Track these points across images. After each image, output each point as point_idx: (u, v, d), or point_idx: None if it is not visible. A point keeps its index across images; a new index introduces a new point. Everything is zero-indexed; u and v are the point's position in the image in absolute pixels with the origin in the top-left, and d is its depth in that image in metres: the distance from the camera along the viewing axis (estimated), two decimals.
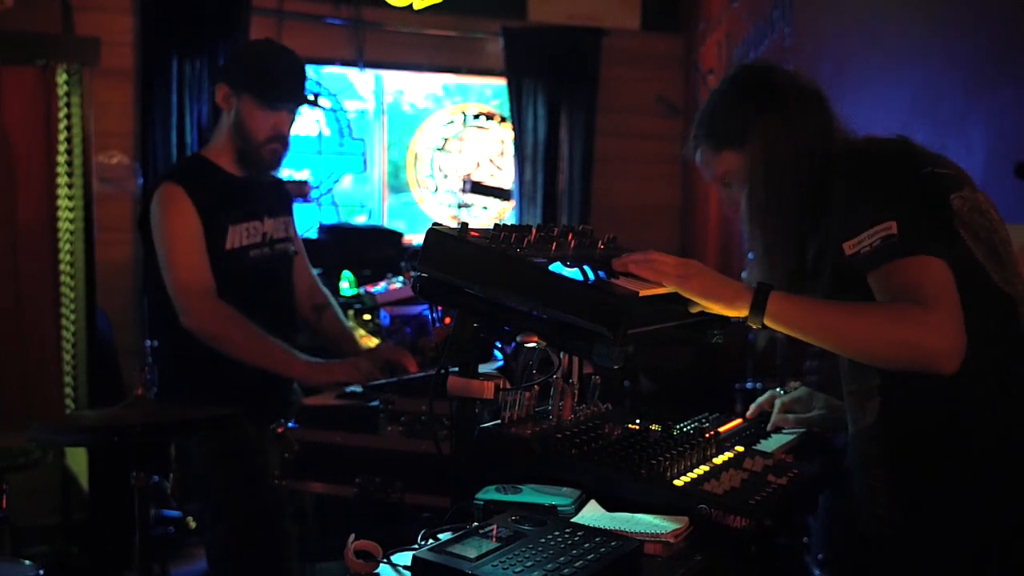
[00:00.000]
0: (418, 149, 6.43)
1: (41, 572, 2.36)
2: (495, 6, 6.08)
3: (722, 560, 1.52)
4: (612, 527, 1.47)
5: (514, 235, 1.68)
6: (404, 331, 3.00)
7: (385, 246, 5.43)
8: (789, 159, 1.78)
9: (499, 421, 1.79)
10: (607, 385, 2.06)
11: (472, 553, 1.32)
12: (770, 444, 1.99)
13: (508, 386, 1.76)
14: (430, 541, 1.42)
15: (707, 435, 1.85)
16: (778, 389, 2.21)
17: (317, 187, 6.00)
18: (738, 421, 2.13)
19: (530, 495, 1.58)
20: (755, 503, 1.57)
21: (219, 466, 2.75)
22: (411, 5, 5.86)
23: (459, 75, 6.40)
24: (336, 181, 6.14)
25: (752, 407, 2.21)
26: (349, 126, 6.14)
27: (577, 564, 1.30)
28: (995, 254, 1.69)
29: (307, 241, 5.37)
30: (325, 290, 3.24)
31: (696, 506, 1.55)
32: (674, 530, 1.48)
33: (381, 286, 3.63)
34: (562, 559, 1.31)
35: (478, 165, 6.54)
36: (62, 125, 4.42)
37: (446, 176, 6.49)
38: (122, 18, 5.31)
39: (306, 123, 5.91)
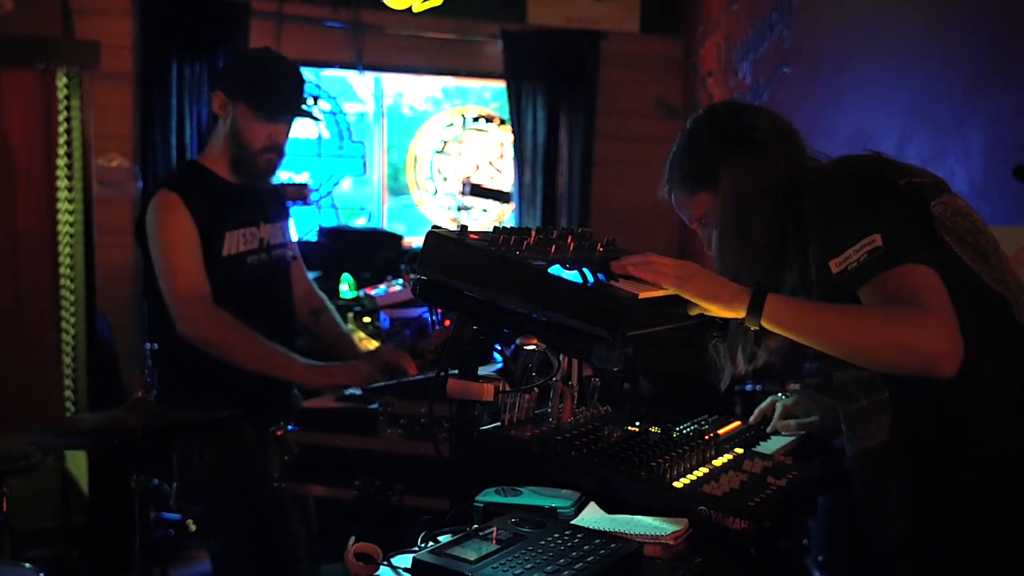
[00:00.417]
0: (418, 152, 6.44)
1: (41, 575, 2.36)
2: (494, 9, 6.09)
3: (722, 562, 1.52)
4: (612, 529, 1.47)
5: (513, 238, 1.69)
6: (404, 333, 3.00)
7: (385, 249, 5.43)
8: (758, 196, 1.80)
9: (499, 423, 1.79)
10: (607, 387, 2.06)
11: (472, 555, 1.32)
12: (769, 446, 1.99)
13: (508, 388, 1.77)
14: (430, 543, 1.42)
15: (706, 437, 1.85)
16: (780, 395, 2.21)
17: (317, 190, 6.00)
18: (737, 423, 2.13)
19: (530, 497, 1.58)
20: (754, 505, 1.57)
21: (221, 470, 2.75)
22: (410, 8, 5.87)
23: (458, 78, 6.40)
24: (336, 184, 6.14)
25: (755, 412, 2.21)
26: (349, 129, 6.14)
27: (577, 566, 1.30)
28: (982, 255, 1.69)
29: (307, 244, 5.39)
30: (321, 294, 3.24)
31: (696, 508, 1.55)
32: (674, 532, 1.48)
33: (381, 289, 3.64)
34: (562, 561, 1.31)
35: (477, 168, 6.55)
36: (62, 128, 4.43)
37: (446, 179, 6.49)
38: (122, 22, 5.31)
39: (306, 126, 5.92)
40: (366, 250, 5.35)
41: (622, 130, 6.43)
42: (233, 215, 2.87)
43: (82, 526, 4.29)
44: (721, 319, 1.75)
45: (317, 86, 5.96)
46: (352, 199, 6.24)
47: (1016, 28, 3.81)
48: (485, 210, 6.50)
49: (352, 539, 1.41)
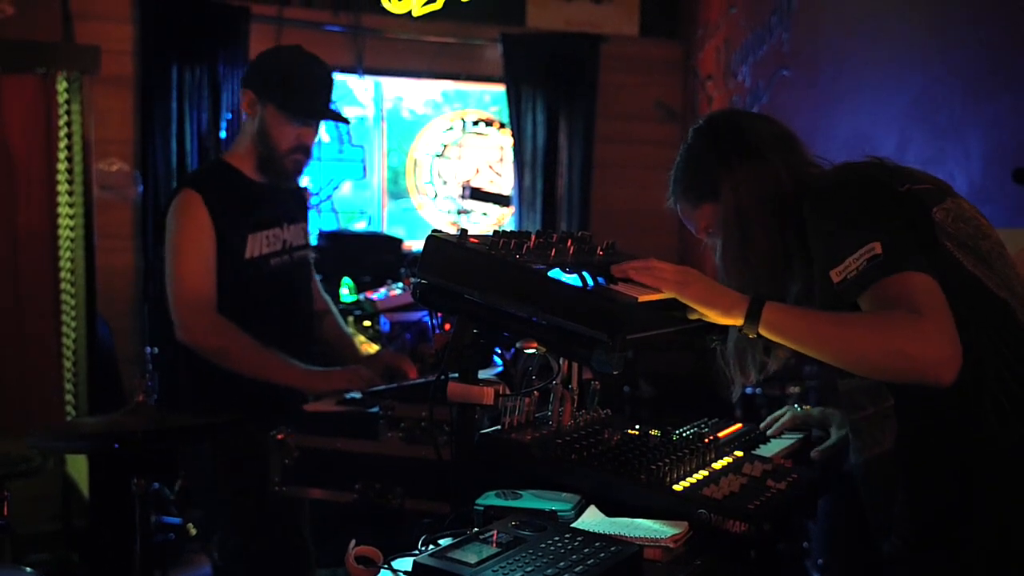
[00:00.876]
0: (417, 155, 6.44)
1: None
2: (494, 13, 6.10)
3: (722, 565, 1.53)
4: (612, 532, 1.48)
5: (513, 241, 1.69)
6: (404, 337, 3.01)
7: (385, 252, 5.44)
8: (759, 206, 1.80)
9: (499, 427, 1.80)
10: (607, 391, 2.06)
11: (472, 559, 1.32)
12: (769, 449, 1.99)
13: (508, 392, 1.77)
14: (430, 547, 1.42)
15: (706, 440, 1.86)
16: (795, 405, 2.21)
17: (317, 194, 6.01)
18: (737, 426, 2.14)
19: (530, 500, 1.58)
20: (754, 508, 1.57)
21: (222, 473, 2.75)
22: (410, 12, 5.88)
23: (458, 81, 6.40)
24: (336, 188, 6.15)
25: (769, 420, 2.20)
26: (348, 133, 6.15)
27: (577, 569, 1.30)
28: (984, 260, 1.69)
29: None
30: (326, 296, 3.24)
31: (695, 511, 1.55)
32: (673, 535, 1.49)
33: (381, 292, 3.64)
34: (562, 564, 1.32)
35: (477, 171, 6.55)
36: (62, 133, 4.43)
37: (445, 182, 6.49)
38: (122, 26, 5.32)
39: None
40: (366, 254, 5.35)
41: (622, 133, 6.44)
42: (257, 216, 2.85)
43: (82, 530, 4.29)
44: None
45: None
46: (352, 203, 6.25)
47: (1015, 32, 3.82)
48: (485, 214, 6.50)
49: (352, 542, 1.42)
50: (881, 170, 1.77)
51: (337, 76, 5.91)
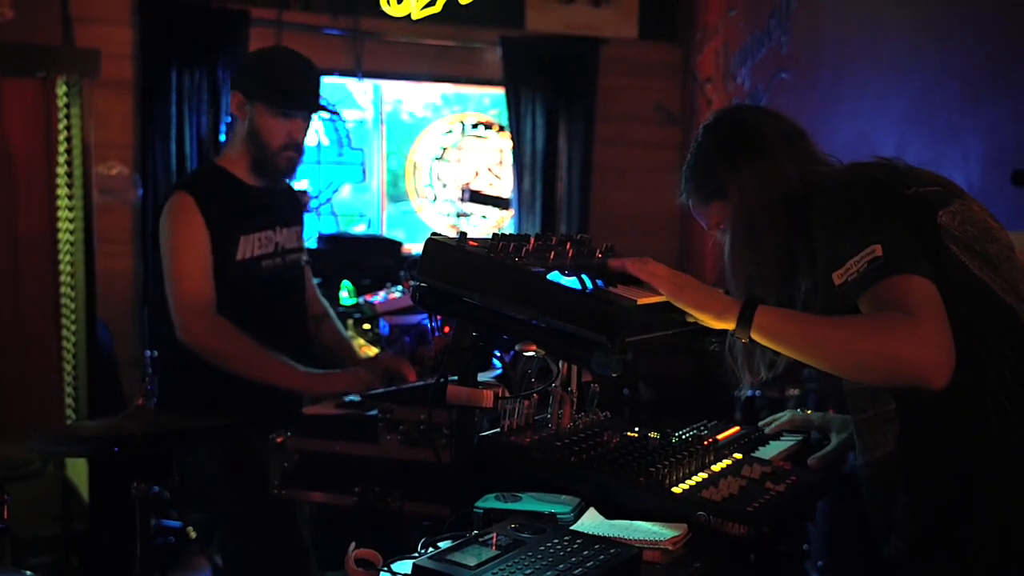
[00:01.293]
0: (417, 158, 6.45)
1: None
2: (493, 16, 6.10)
3: (721, 567, 1.53)
4: (611, 534, 1.48)
5: (512, 244, 1.69)
6: (403, 340, 3.01)
7: (384, 255, 5.44)
8: (766, 204, 1.80)
9: (498, 429, 1.80)
10: (606, 393, 2.06)
11: (472, 561, 1.32)
12: (768, 451, 1.99)
13: (507, 395, 1.77)
14: (430, 549, 1.42)
15: (705, 442, 1.86)
16: (798, 409, 2.21)
17: (316, 196, 6.01)
18: (736, 428, 2.14)
19: (529, 503, 1.58)
20: (753, 510, 1.58)
21: (222, 477, 2.75)
22: (409, 15, 5.88)
23: (457, 84, 6.41)
24: (335, 190, 6.15)
25: (768, 420, 2.20)
26: (348, 136, 6.16)
27: (576, 572, 1.31)
28: (991, 264, 1.68)
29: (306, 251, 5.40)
30: (324, 301, 3.24)
31: (695, 513, 1.55)
32: (673, 537, 1.49)
33: (380, 295, 3.64)
34: (561, 567, 1.32)
35: (477, 174, 6.56)
36: (62, 136, 4.44)
37: (445, 185, 6.50)
38: (122, 30, 5.33)
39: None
40: (365, 257, 5.35)
41: (621, 136, 6.45)
42: (249, 219, 2.86)
43: (82, 533, 4.29)
44: None
45: None
46: (351, 206, 6.25)
47: (1014, 35, 3.82)
48: (484, 216, 6.51)
49: (352, 545, 1.42)
50: (888, 172, 1.76)
51: (336, 79, 5.97)
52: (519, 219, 6.23)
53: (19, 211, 4.39)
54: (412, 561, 1.35)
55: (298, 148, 2.89)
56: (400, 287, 3.64)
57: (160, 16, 5.31)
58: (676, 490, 1.63)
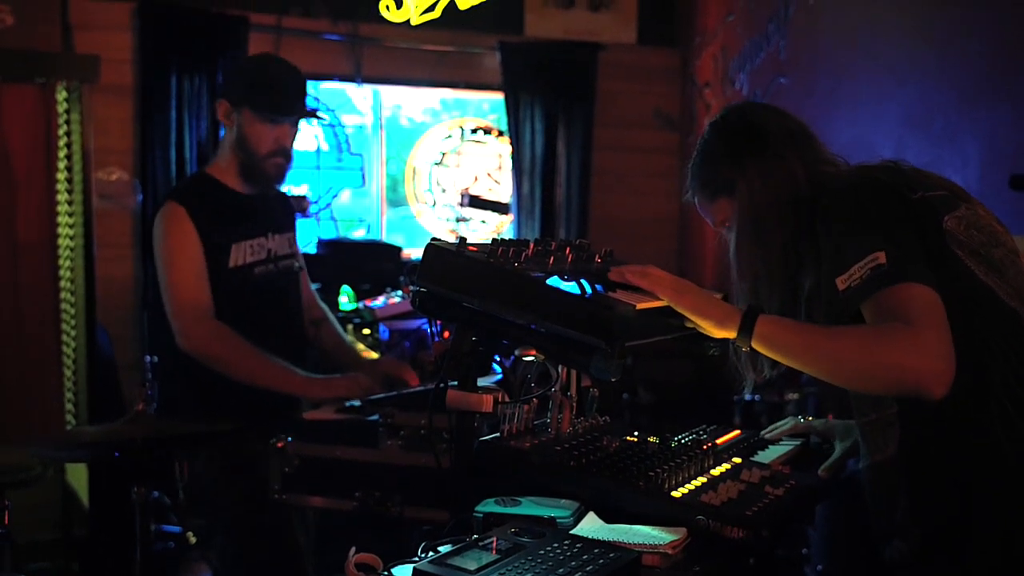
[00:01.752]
0: (416, 163, 6.46)
1: None
2: (492, 21, 6.11)
3: (720, 571, 1.53)
4: (611, 539, 1.48)
5: (512, 249, 1.70)
6: (403, 345, 3.01)
7: (384, 260, 5.44)
8: (773, 201, 1.80)
9: (498, 434, 1.80)
10: (605, 398, 2.07)
11: (472, 565, 1.33)
12: (767, 455, 2.00)
13: (507, 399, 1.77)
14: (430, 553, 1.43)
15: (705, 447, 1.86)
16: (799, 417, 2.21)
17: (315, 202, 6.02)
18: (736, 433, 2.14)
19: (529, 507, 1.59)
20: (752, 514, 1.58)
21: (223, 482, 2.76)
22: (408, 20, 5.89)
23: (457, 90, 6.42)
24: (335, 196, 6.16)
25: (770, 428, 2.20)
26: (347, 141, 6.16)
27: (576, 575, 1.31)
28: (996, 269, 1.68)
29: (306, 256, 5.38)
30: (323, 305, 3.25)
31: (694, 517, 1.56)
32: (672, 541, 1.49)
33: (380, 300, 3.64)
34: (561, 571, 1.32)
35: (476, 179, 6.57)
36: (62, 142, 4.44)
37: (444, 190, 6.51)
38: (121, 35, 5.33)
39: (305, 138, 5.94)
40: (365, 262, 5.36)
41: (620, 141, 6.46)
42: (241, 226, 2.87)
43: (82, 539, 4.29)
44: None
45: (316, 99, 5.98)
46: (351, 211, 6.26)
47: (1011, 41, 3.83)
48: (484, 221, 6.51)
49: (352, 550, 1.42)
50: (894, 175, 1.76)
51: (336, 84, 5.98)
52: (518, 224, 6.23)
53: (19, 217, 4.39)
54: (412, 565, 1.36)
55: (286, 154, 2.91)
56: (400, 292, 3.65)
57: (160, 22, 5.32)
58: (675, 494, 1.63)
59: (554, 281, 1.64)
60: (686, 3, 6.56)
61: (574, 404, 1.93)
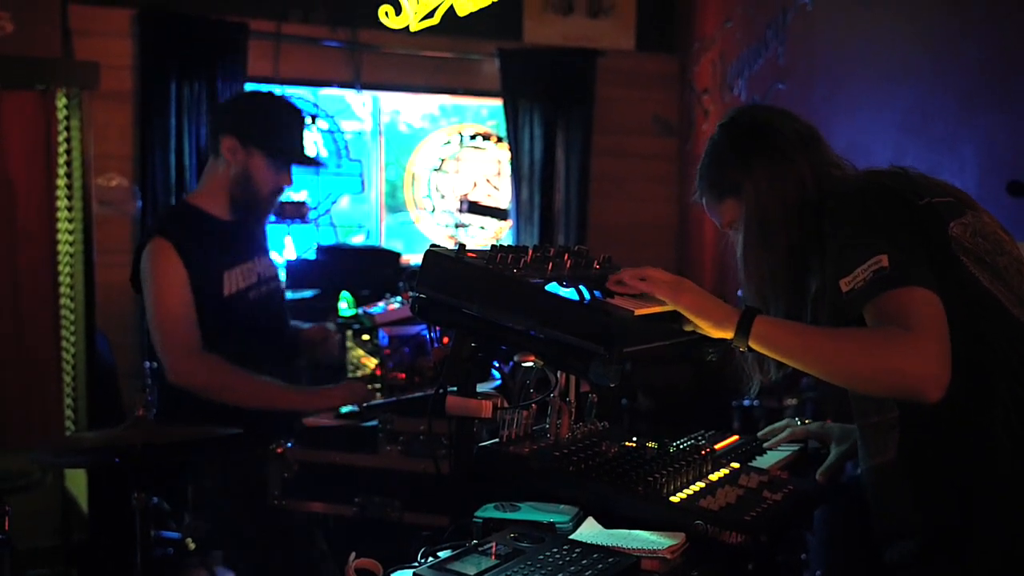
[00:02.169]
0: (415, 169, 6.47)
1: None
2: (491, 28, 6.13)
3: None
4: (609, 543, 1.49)
5: (511, 256, 1.70)
6: (403, 351, 3.01)
7: (383, 266, 5.44)
8: (780, 204, 1.81)
9: (497, 440, 1.81)
10: (604, 403, 2.07)
11: (472, 570, 1.33)
12: (765, 460, 2.00)
13: (506, 405, 1.78)
14: (430, 559, 1.43)
15: (703, 452, 1.87)
16: (796, 420, 2.22)
17: (315, 208, 6.02)
18: (734, 438, 2.15)
19: (528, 512, 1.59)
20: (751, 519, 1.58)
21: (223, 488, 2.76)
22: (408, 27, 5.91)
23: (455, 96, 6.43)
24: (334, 201, 6.17)
25: (767, 432, 2.20)
26: (346, 147, 6.17)
27: None
28: (1000, 277, 1.69)
29: (305, 262, 5.41)
30: None
31: (692, 522, 1.56)
32: (671, 546, 1.49)
33: (379, 306, 3.64)
34: (560, 575, 1.33)
35: (475, 185, 6.57)
36: (62, 148, 4.45)
37: (443, 196, 6.52)
38: (121, 42, 5.34)
39: (305, 143, 5.94)
40: (364, 268, 5.35)
41: (618, 147, 6.47)
42: (230, 254, 2.90)
43: (81, 545, 4.28)
44: None
45: (315, 105, 5.99)
46: (350, 217, 6.27)
47: (1009, 46, 3.85)
48: (482, 227, 6.52)
49: (353, 555, 1.43)
50: (902, 180, 1.77)
51: (335, 91, 5.98)
52: (517, 230, 6.24)
53: (18, 223, 4.39)
54: (412, 570, 1.36)
55: (282, 193, 2.97)
56: (399, 298, 3.64)
57: (159, 28, 5.33)
58: (674, 499, 1.64)
59: (553, 287, 1.65)
60: (685, 9, 6.58)
61: (573, 410, 1.93)
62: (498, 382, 2.49)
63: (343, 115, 6.16)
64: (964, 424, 1.62)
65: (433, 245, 1.73)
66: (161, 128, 5.33)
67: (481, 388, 1.74)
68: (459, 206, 6.43)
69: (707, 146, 1.96)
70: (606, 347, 1.54)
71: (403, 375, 2.89)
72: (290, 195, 5.82)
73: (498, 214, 6.46)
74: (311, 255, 5.54)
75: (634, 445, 1.91)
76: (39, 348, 4.42)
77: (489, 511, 1.59)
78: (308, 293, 5.04)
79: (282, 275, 3.25)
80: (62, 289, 4.46)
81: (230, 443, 2.59)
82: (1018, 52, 3.82)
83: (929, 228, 1.68)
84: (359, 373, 3.29)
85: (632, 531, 1.55)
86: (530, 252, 1.74)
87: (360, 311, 3.41)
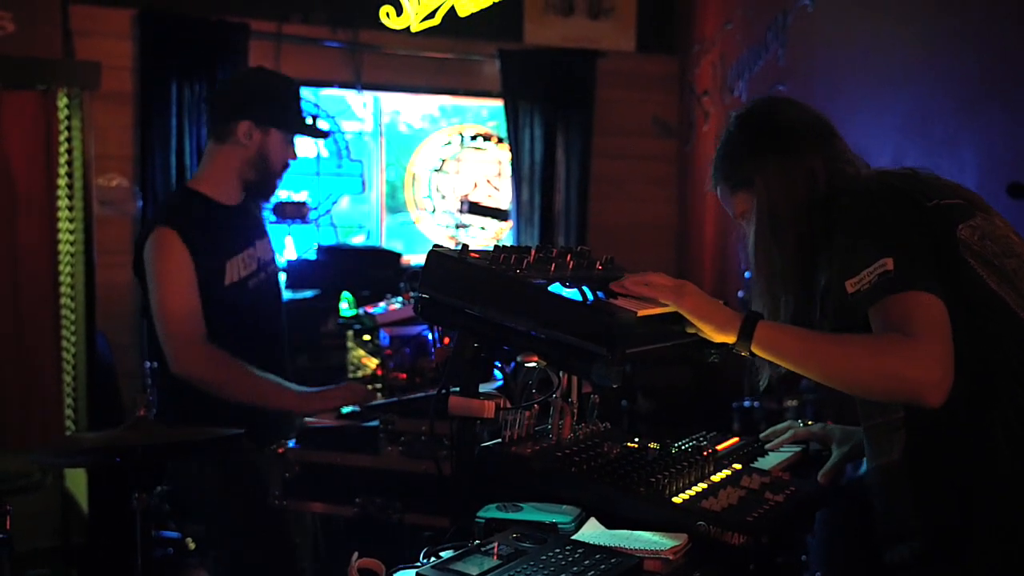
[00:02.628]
0: (416, 170, 6.47)
1: None
2: (492, 29, 6.13)
3: None
4: (612, 544, 1.49)
5: (513, 256, 1.70)
6: (404, 351, 3.01)
7: (384, 266, 5.45)
8: (791, 199, 1.81)
9: (499, 440, 1.81)
10: (606, 404, 2.07)
11: (474, 571, 1.33)
12: (767, 462, 2.00)
13: (508, 405, 1.78)
14: (432, 559, 1.43)
15: (705, 453, 1.87)
16: (798, 421, 2.22)
17: (315, 208, 6.02)
18: (735, 439, 2.15)
19: (530, 513, 1.59)
20: (752, 520, 1.59)
21: (223, 488, 2.76)
22: (408, 28, 5.91)
23: (456, 96, 6.44)
24: (334, 202, 6.17)
25: (769, 433, 2.20)
26: (347, 147, 6.18)
27: None
28: (1008, 280, 1.69)
29: (306, 262, 5.41)
30: None
31: (694, 523, 1.56)
32: (673, 547, 1.50)
33: (380, 307, 3.64)
34: (563, 575, 1.33)
35: (475, 186, 6.58)
36: (62, 149, 4.45)
37: (444, 197, 6.52)
38: (122, 43, 5.35)
39: (304, 145, 5.94)
40: (365, 268, 5.36)
41: (618, 148, 6.47)
42: (232, 241, 2.88)
43: (81, 545, 4.28)
44: None
45: (316, 105, 5.99)
46: (351, 217, 6.27)
47: (1008, 48, 3.85)
48: (483, 228, 6.52)
49: (355, 555, 1.43)
50: (912, 182, 1.77)
51: (336, 91, 5.99)
52: (517, 231, 6.24)
53: (19, 223, 4.39)
54: (414, 570, 1.36)
55: (289, 168, 2.98)
56: (400, 298, 3.65)
57: (160, 29, 5.33)
58: (676, 500, 1.64)
59: (556, 288, 1.65)
60: (685, 11, 6.58)
61: (575, 410, 1.94)
62: (500, 383, 2.49)
63: (344, 115, 6.16)
64: (966, 425, 1.62)
65: (436, 245, 1.73)
66: (161, 128, 5.33)
67: (483, 388, 1.74)
68: (459, 207, 6.43)
69: (722, 136, 1.96)
70: (609, 348, 1.54)
71: (404, 375, 2.89)
72: (291, 195, 5.83)
73: (498, 215, 6.46)
74: (311, 255, 5.55)
75: (636, 446, 1.91)
76: (39, 348, 4.42)
77: (491, 511, 1.60)
78: (308, 293, 5.05)
79: (282, 274, 3.22)
80: (62, 289, 4.46)
81: (231, 443, 2.59)
82: (1018, 55, 3.82)
83: (937, 230, 1.68)
84: (360, 373, 3.30)
85: (634, 532, 1.55)
86: (533, 253, 1.74)
87: (361, 311, 3.41)
